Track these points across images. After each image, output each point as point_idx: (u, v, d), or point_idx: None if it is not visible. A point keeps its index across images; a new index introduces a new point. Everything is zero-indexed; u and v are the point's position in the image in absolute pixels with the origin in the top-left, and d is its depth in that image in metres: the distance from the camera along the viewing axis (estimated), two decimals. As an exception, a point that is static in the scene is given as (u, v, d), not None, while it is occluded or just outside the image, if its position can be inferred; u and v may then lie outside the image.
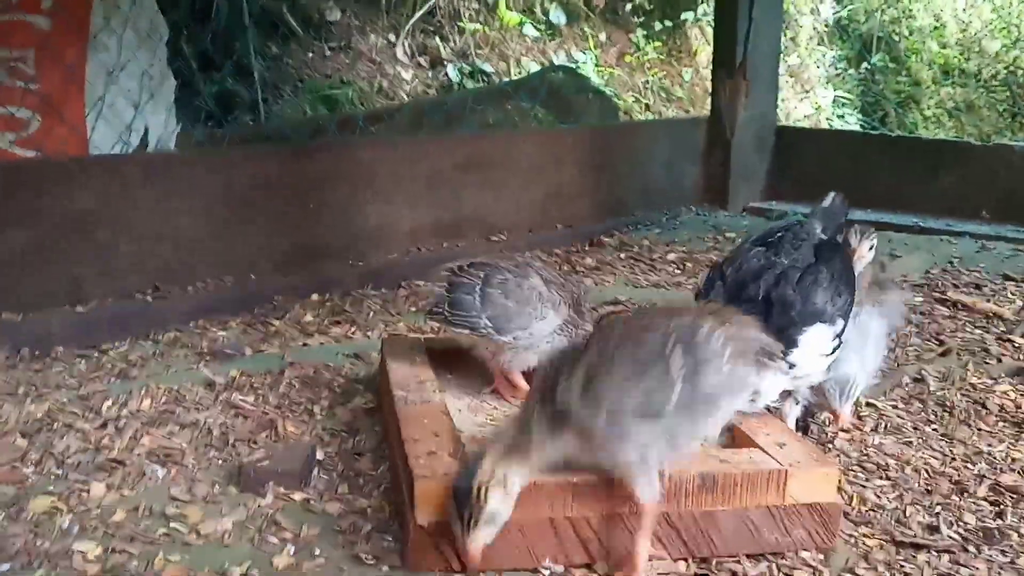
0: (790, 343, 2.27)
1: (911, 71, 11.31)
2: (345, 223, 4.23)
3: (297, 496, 2.21)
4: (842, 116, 11.07)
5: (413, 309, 3.79)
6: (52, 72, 3.92)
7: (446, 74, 7.07)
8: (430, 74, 7.12)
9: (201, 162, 3.90)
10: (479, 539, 1.82)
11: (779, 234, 2.55)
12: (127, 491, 2.22)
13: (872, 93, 11.37)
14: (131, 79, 4.02)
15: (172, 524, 2.08)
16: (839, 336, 2.38)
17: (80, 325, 3.29)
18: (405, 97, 6.67)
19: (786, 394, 2.48)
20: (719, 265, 2.50)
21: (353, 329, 3.51)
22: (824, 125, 10.58)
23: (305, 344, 3.33)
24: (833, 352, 2.38)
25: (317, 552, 1.99)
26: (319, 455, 2.41)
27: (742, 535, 2.05)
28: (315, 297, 3.87)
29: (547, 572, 1.95)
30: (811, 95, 10.66)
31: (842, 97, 10.91)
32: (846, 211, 2.79)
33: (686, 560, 2.02)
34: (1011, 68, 10.75)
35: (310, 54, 6.56)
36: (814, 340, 2.31)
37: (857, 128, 10.77)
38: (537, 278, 2.58)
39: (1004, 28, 10.77)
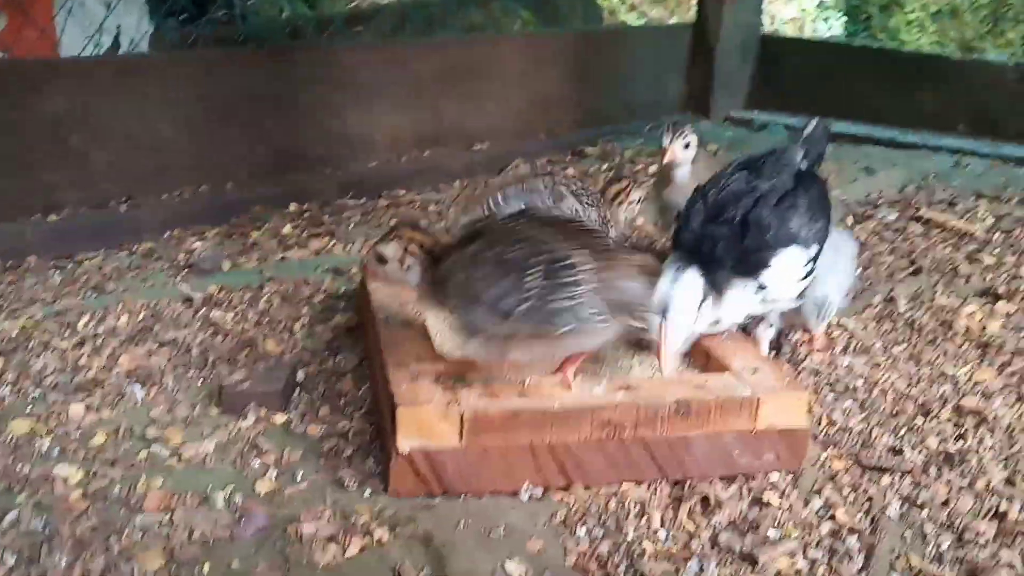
0: (763, 264, 2.32)
1: (897, -26, 11.18)
2: (324, 130, 4.16)
3: (278, 418, 2.23)
4: (826, 19, 10.94)
5: (394, 221, 3.77)
6: (18, -30, 3.78)
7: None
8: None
9: (176, 65, 3.79)
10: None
11: (762, 160, 2.55)
12: (107, 412, 2.23)
13: (857, -5, 11.25)
14: (102, -22, 3.87)
15: (153, 447, 2.09)
16: (813, 260, 2.42)
17: (54, 234, 3.25)
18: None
19: (760, 317, 2.53)
20: (702, 187, 2.51)
21: (333, 242, 3.49)
22: (808, 28, 10.45)
23: (283, 258, 3.31)
24: (807, 276, 2.42)
25: (299, 476, 2.02)
26: (300, 376, 2.42)
27: (714, 458, 2.11)
28: (293, 207, 3.84)
29: (527, 495, 2.00)
30: (796, -2, 10.52)
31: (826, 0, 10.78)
32: (828, 138, 2.77)
33: (660, 482, 2.08)
34: (994, -28, 10.66)
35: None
36: (788, 263, 2.35)
37: (840, 32, 10.65)
38: (571, 198, 2.70)
39: (988, -69, 10.61)
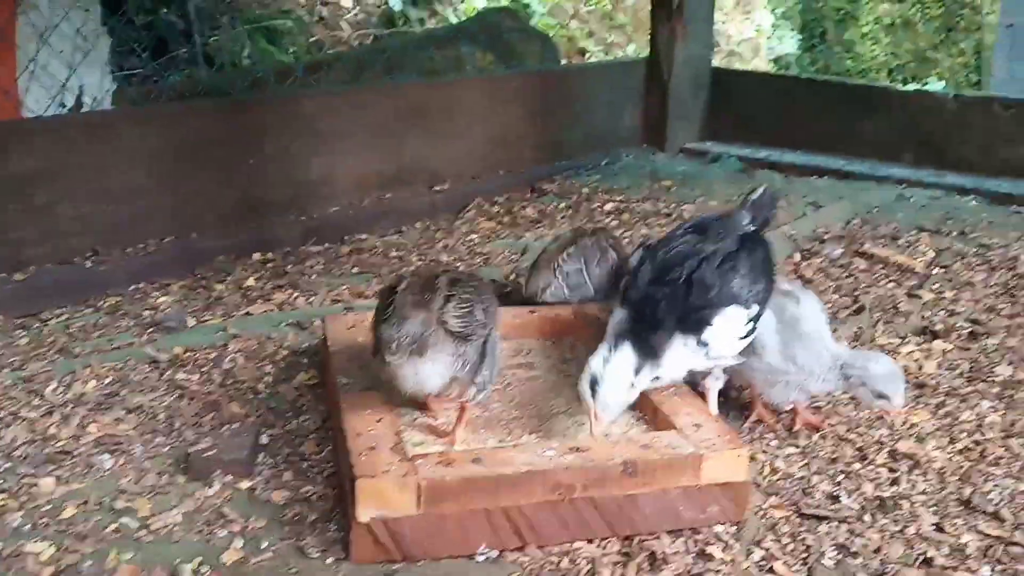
0: (705, 322, 2.44)
1: (849, -13, 11.40)
2: (287, 176, 4.24)
3: (243, 485, 2.31)
4: (780, 37, 11.16)
5: (356, 270, 3.86)
6: (-21, 35, 3.82)
7: (387, 2, 6.96)
8: (371, 1, 7.00)
9: (139, 119, 3.87)
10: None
11: (709, 223, 2.69)
12: (76, 484, 2.30)
13: (811, 11, 11.46)
14: (64, 39, 3.92)
15: (122, 519, 2.16)
16: (754, 320, 2.54)
17: (20, 292, 3.32)
18: (346, 26, 6.57)
19: (705, 373, 2.64)
20: (652, 246, 2.65)
21: (295, 294, 3.57)
22: (764, 46, 10.66)
23: (247, 313, 3.39)
24: (748, 335, 2.54)
25: (264, 545, 2.10)
26: (264, 439, 2.51)
27: (661, 514, 2.21)
28: (257, 256, 3.92)
29: (483, 557, 2.10)
30: (751, 17, 10.70)
31: (781, 17, 10.98)
32: (775, 204, 2.91)
33: (610, 539, 2.18)
34: (946, -17, 10.91)
35: (246, -17, 6.40)
36: (729, 322, 2.47)
37: (793, 49, 10.88)
38: (611, 251, 3.41)
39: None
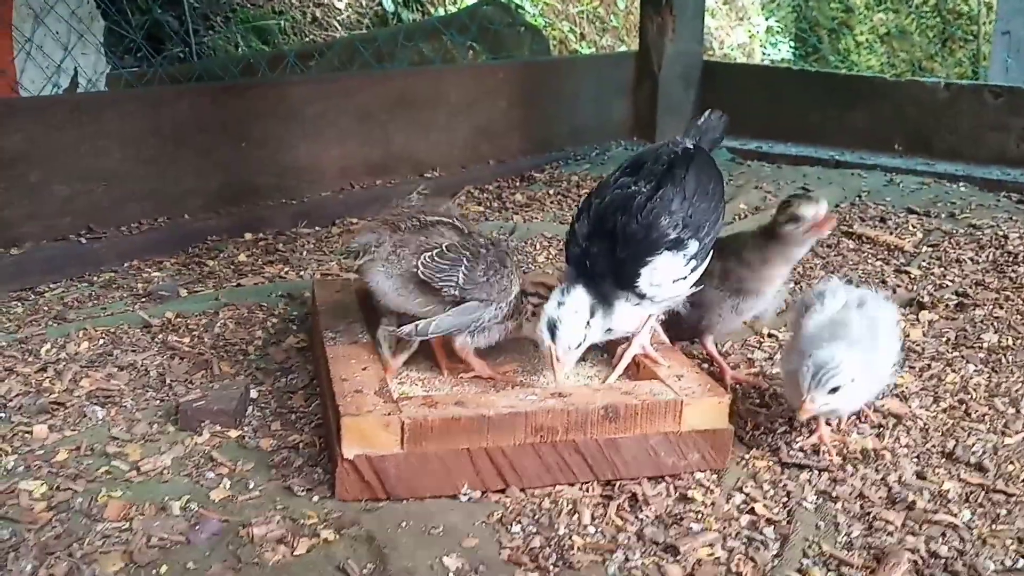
0: (634, 276, 2.33)
1: (844, -3, 11.48)
2: (277, 161, 4.30)
3: (232, 433, 2.37)
4: (775, 44, 11.22)
5: (345, 248, 3.90)
6: (-24, 16, 3.90)
7: (380, 3, 7.05)
8: (364, 3, 7.08)
9: (131, 101, 3.92)
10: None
11: (645, 158, 2.51)
12: (69, 432, 2.35)
13: (806, 20, 11.53)
14: (59, 21, 3.99)
15: (113, 462, 2.22)
16: (696, 257, 2.40)
17: (15, 267, 3.36)
18: (339, 27, 6.65)
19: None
20: (589, 196, 2.51)
21: (286, 268, 3.63)
22: (758, 52, 10.72)
23: (239, 284, 3.44)
24: (692, 272, 2.41)
25: (251, 485, 2.15)
26: (253, 394, 2.56)
27: (642, 459, 2.25)
28: (248, 236, 3.98)
29: (465, 497, 2.14)
30: (745, 23, 10.78)
31: (775, 24, 11.04)
32: (723, 127, 2.77)
33: (592, 483, 2.22)
34: (942, -6, 10.99)
35: (240, -18, 6.49)
36: (659, 270, 2.34)
37: (788, 56, 10.95)
38: None
39: (935, -46, 10.92)
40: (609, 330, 2.39)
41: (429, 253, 2.36)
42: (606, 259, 2.33)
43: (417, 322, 2.36)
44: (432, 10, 7.14)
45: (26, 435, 2.32)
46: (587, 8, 8.31)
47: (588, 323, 2.31)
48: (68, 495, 2.07)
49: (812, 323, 2.40)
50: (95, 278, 3.46)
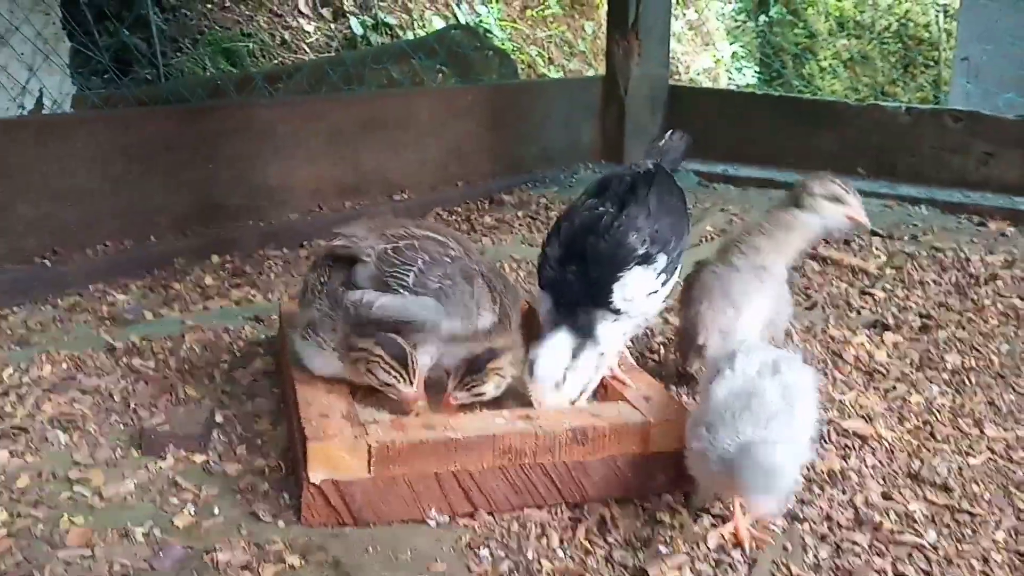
0: (606, 294, 2.35)
1: (808, 23, 11.65)
2: (245, 183, 4.28)
3: (197, 458, 2.34)
4: (740, 69, 11.36)
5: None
6: (-61, 38, 3.87)
7: (349, 27, 7.06)
8: (333, 27, 7.10)
9: (98, 122, 3.89)
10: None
11: (610, 179, 2.57)
12: (30, 457, 2.32)
13: (770, 45, 11.70)
14: (23, 42, 3.97)
15: (76, 488, 2.18)
16: (665, 271, 2.44)
17: (-22, 290, 3.32)
18: (307, 50, 6.65)
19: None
20: (558, 220, 2.54)
21: (253, 292, 3.61)
22: (724, 78, 10.86)
23: (206, 308, 3.41)
24: (663, 286, 2.45)
25: (216, 511, 2.13)
26: (218, 418, 2.53)
27: (610, 481, 2.25)
28: (216, 258, 3.94)
29: (433, 522, 2.13)
30: (710, 48, 10.91)
31: (741, 49, 11.19)
32: (684, 147, 2.82)
33: (560, 505, 2.21)
34: (903, 20, 11.18)
35: (209, 5, 6.47)
36: (632, 284, 2.38)
37: (752, 81, 11.09)
38: None
39: (895, -19, 11.13)
40: (602, 354, 2.39)
41: (386, 247, 2.35)
42: (579, 281, 2.36)
43: (365, 292, 2.34)
44: (401, 33, 7.17)
45: (-13, 461, 2.29)
46: (555, 32, 8.38)
47: (570, 366, 2.33)
48: (29, 522, 2.04)
49: (722, 391, 2.14)
50: (59, 301, 3.41)
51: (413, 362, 2.28)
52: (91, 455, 2.33)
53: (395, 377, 2.27)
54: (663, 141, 2.80)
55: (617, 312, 2.39)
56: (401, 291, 2.37)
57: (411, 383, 2.29)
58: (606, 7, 6.27)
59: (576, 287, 2.36)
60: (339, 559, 1.95)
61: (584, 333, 2.35)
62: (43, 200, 3.64)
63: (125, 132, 3.90)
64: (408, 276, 2.38)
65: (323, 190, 4.59)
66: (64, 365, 2.85)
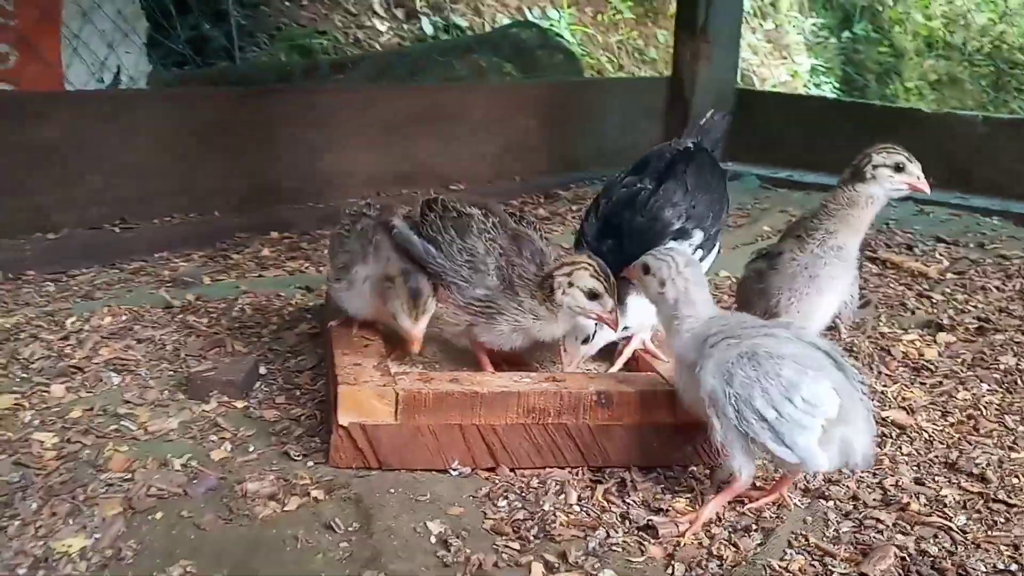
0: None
1: (894, 42, 11.39)
2: (305, 166, 4.42)
3: (239, 404, 2.46)
4: (819, 84, 11.18)
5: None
6: (29, 10, 4.12)
7: (421, 27, 7.22)
8: (405, 27, 7.26)
9: (167, 100, 4.10)
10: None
11: (650, 157, 2.62)
12: (84, 393, 2.47)
13: (852, 63, 11.46)
14: (105, 19, 4.18)
15: (123, 422, 2.32)
16: (702, 246, 2.48)
17: (51, 252, 3.52)
18: (380, 48, 6.81)
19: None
20: (597, 197, 2.60)
21: (307, 265, 3.75)
22: (800, 91, 10.70)
23: (260, 275, 3.57)
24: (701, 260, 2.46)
25: (251, 449, 2.24)
26: (262, 370, 2.64)
27: (634, 448, 2.27)
28: (274, 234, 4.10)
29: (455, 472, 2.18)
30: (788, 61, 10.78)
31: (821, 65, 11.01)
32: (726, 127, 2.88)
33: (582, 468, 2.25)
34: (996, 42, 10.85)
35: (287, 3, 6.69)
36: None
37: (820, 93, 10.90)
38: None
39: (991, 1, 10.79)
40: (626, 327, 2.43)
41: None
42: (615, 255, 2.38)
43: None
44: (470, 34, 7.28)
45: (44, 394, 2.45)
46: (625, 37, 8.40)
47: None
48: (77, 447, 2.18)
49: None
50: (125, 265, 3.59)
51: (425, 301, 2.33)
52: (140, 395, 2.47)
53: (404, 308, 2.33)
54: (704, 120, 2.83)
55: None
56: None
57: (416, 320, 2.34)
58: (675, 8, 6.29)
59: (612, 262, 2.38)
60: (361, 496, 2.03)
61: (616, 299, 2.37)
62: (111, 171, 3.83)
63: (192, 111, 4.08)
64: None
65: (380, 177, 4.69)
66: (123, 317, 3.01)
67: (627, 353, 2.56)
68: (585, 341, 2.40)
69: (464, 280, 2.38)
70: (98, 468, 2.10)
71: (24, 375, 2.56)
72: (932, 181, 5.47)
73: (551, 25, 7.47)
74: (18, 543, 1.83)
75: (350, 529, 1.93)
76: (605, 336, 2.43)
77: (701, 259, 2.48)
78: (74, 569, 1.77)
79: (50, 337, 2.79)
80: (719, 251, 2.64)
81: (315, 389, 2.57)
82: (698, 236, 2.47)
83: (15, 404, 2.38)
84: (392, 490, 2.07)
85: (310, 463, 2.18)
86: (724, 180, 2.67)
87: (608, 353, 2.63)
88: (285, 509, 1.98)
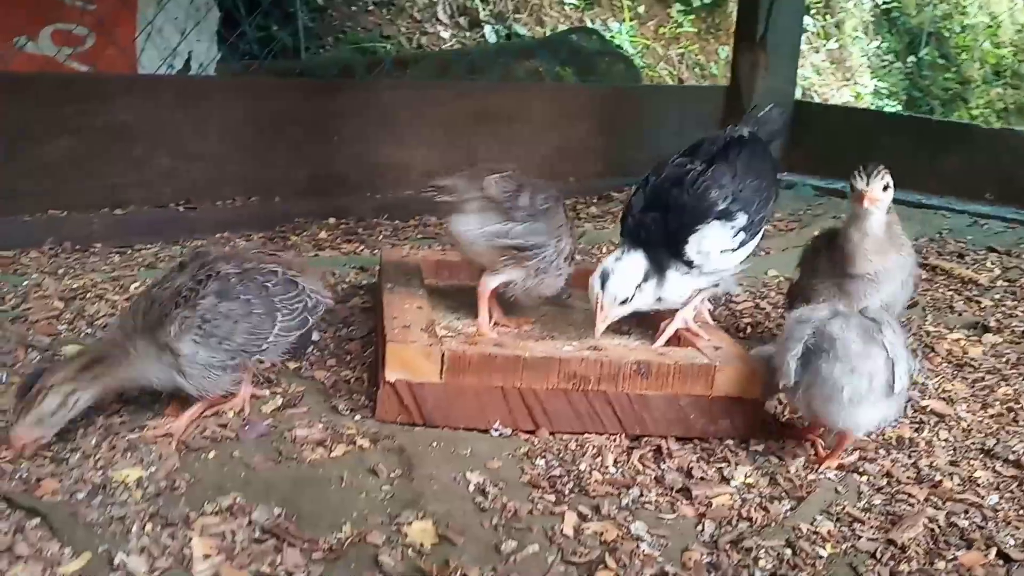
0: (681, 242, 2.43)
1: (960, 68, 11.25)
2: (364, 158, 4.54)
3: (292, 364, 2.56)
4: (882, 108, 11.08)
5: (420, 236, 4.12)
6: (107, -5, 4.32)
7: (483, 35, 7.36)
8: (468, 34, 7.40)
9: (234, 88, 4.25)
10: (21, 432, 1.95)
11: (703, 142, 2.64)
12: (163, 355, 2.60)
13: (918, 88, 11.32)
14: (179, 7, 4.37)
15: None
16: (745, 229, 2.50)
17: (118, 226, 3.70)
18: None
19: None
20: (647, 175, 2.62)
21: (362, 248, 3.88)
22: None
23: (317, 255, 3.69)
24: (741, 247, 2.51)
25: (300, 402, 2.35)
26: (315, 336, 2.75)
27: (671, 418, 2.33)
28: (332, 220, 4.24)
29: (496, 432, 2.26)
30: (850, 82, 10.71)
31: (885, 88, 10.90)
32: (782, 119, 2.88)
33: (620, 435, 2.31)
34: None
35: (353, 8, 6.88)
36: (707, 238, 2.44)
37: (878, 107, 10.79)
38: None
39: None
40: (659, 299, 2.48)
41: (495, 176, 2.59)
42: (658, 228, 2.44)
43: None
44: (530, 38, 7.40)
45: (107, 347, 2.57)
46: (686, 50, 8.45)
47: (639, 286, 2.41)
48: (136, 394, 2.28)
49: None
50: (188, 243, 3.75)
51: None
52: (199, 355, 2.58)
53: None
54: (762, 112, 2.86)
55: (690, 264, 2.46)
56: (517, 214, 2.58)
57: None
58: (735, 19, 6.33)
59: (654, 234, 2.44)
60: (404, 447, 2.12)
61: (656, 268, 2.43)
62: (178, 155, 4.00)
63: (258, 101, 4.23)
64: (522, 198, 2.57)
65: (435, 172, 4.74)
66: (186, 285, 3.14)
67: (670, 331, 2.61)
68: (624, 303, 2.44)
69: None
70: (155, 412, 2.22)
71: (89, 331, 2.70)
72: (989, 196, 5.54)
73: (612, 37, 7.55)
74: (78, 472, 1.95)
75: (392, 475, 2.02)
76: (643, 300, 2.47)
77: (743, 243, 2.52)
78: (130, 496, 1.88)
79: (115, 297, 2.95)
80: (762, 238, 2.67)
81: (364, 355, 2.67)
82: (742, 219, 2.50)
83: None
84: (435, 443, 2.16)
85: (357, 416, 2.28)
86: (775, 171, 2.70)
87: (651, 326, 2.68)
88: (332, 455, 2.08)
